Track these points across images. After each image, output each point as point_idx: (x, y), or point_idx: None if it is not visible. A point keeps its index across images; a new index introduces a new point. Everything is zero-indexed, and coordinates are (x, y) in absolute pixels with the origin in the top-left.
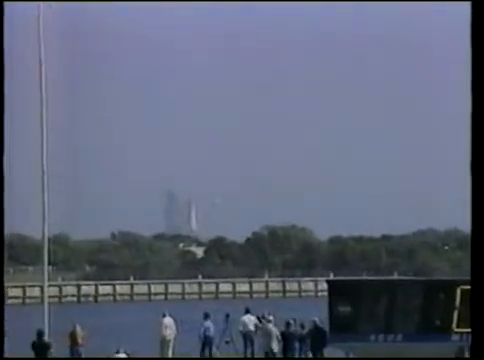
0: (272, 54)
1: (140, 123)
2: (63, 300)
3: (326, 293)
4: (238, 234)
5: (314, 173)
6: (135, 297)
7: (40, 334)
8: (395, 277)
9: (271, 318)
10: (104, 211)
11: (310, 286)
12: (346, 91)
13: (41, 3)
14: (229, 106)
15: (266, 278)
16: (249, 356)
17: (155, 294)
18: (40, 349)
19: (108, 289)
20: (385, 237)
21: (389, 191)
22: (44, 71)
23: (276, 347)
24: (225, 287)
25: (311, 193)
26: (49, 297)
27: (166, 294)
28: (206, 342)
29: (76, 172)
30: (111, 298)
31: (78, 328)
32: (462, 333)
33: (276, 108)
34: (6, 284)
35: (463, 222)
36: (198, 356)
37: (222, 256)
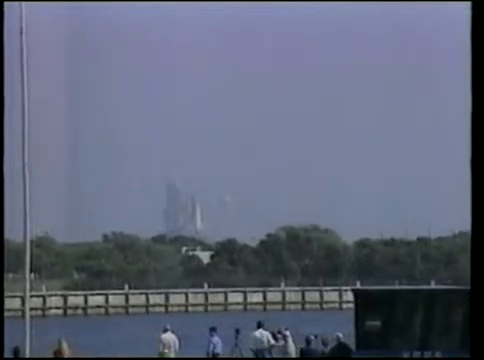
0: (274, 53)
1: (138, 114)
2: (47, 313)
3: (352, 304)
4: (250, 236)
5: (338, 168)
6: (131, 309)
7: (16, 352)
8: (432, 286)
9: (288, 333)
10: (95, 210)
11: (334, 296)
12: (367, 90)
13: (23, 3)
14: (239, 99)
15: (282, 287)
16: None
17: (154, 306)
18: None
19: (99, 300)
20: (420, 240)
21: (425, 189)
22: (25, 63)
23: None
24: (235, 297)
25: (335, 191)
26: (31, 309)
27: (167, 306)
28: None
29: (63, 167)
30: (103, 310)
31: (64, 345)
32: None
33: (290, 102)
34: None
35: None
36: None
37: (232, 262)
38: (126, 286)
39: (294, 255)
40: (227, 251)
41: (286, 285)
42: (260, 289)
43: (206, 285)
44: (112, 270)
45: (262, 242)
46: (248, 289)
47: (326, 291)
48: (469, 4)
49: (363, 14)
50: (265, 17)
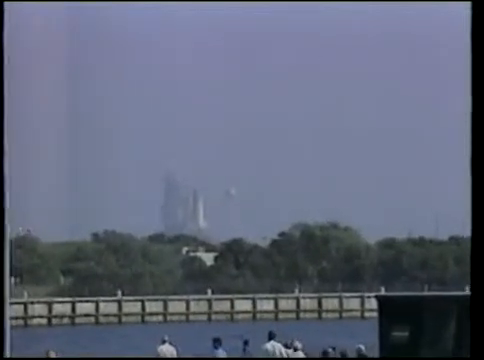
0: (275, 52)
1: (137, 111)
2: (30, 322)
3: (375, 313)
4: (260, 235)
5: (358, 160)
6: (124, 318)
7: None
8: (466, 292)
9: (299, 346)
10: (84, 205)
11: (354, 304)
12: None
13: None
14: (245, 92)
15: (296, 293)
16: None
17: (151, 314)
18: None
19: (89, 308)
20: (453, 240)
21: (458, 183)
22: (6, 58)
23: None
24: (243, 305)
25: (355, 184)
26: (11, 318)
27: (165, 314)
28: None
29: (47, 157)
30: (93, 319)
31: (52, 354)
32: None
33: (299, 96)
34: None
35: None
36: None
37: (239, 264)
38: (119, 292)
39: (310, 257)
40: (233, 252)
41: (300, 291)
42: (271, 295)
43: (209, 291)
44: (103, 274)
45: (273, 242)
46: (257, 295)
47: (346, 298)
48: (469, 4)
49: (363, 14)
50: (265, 17)
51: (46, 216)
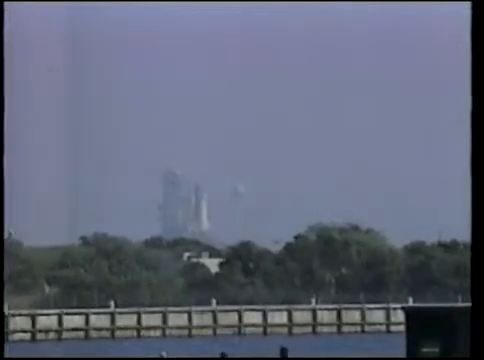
0: (275, 52)
1: (137, 110)
2: (11, 337)
3: (403, 327)
4: (272, 238)
5: (382, 155)
6: (118, 332)
7: None
8: None
9: None
10: (72, 205)
11: (379, 316)
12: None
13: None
14: (250, 89)
15: (313, 304)
16: None
17: (148, 328)
18: None
19: (78, 321)
20: None
21: None
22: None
23: None
24: (252, 317)
25: (379, 182)
26: None
27: (164, 328)
28: None
29: (33, 153)
30: (82, 334)
31: None
32: None
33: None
34: None
35: None
36: None
37: (248, 271)
38: (112, 303)
39: (327, 263)
40: (241, 258)
41: (317, 302)
42: (284, 307)
43: (214, 301)
44: (94, 282)
45: (286, 246)
46: (269, 307)
47: (369, 309)
48: (469, 4)
49: (363, 13)
50: (265, 16)
51: (30, 217)
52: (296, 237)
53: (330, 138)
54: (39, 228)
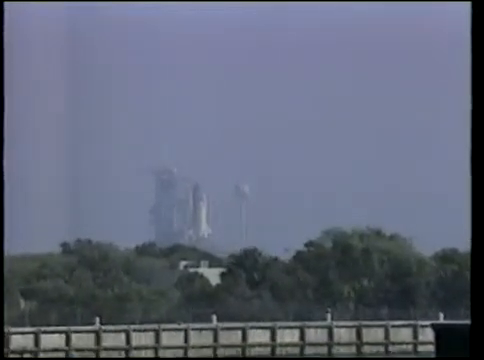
0: (277, 50)
1: (137, 110)
2: None
3: (432, 346)
4: (281, 245)
5: (406, 152)
6: (103, 353)
7: None
8: None
9: None
10: (51, 207)
11: (405, 335)
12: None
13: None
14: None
15: (329, 321)
16: None
17: (138, 348)
18: None
19: (57, 340)
20: None
21: None
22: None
23: None
24: (258, 336)
25: (404, 182)
26: None
27: (157, 348)
28: None
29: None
30: (62, 355)
31: None
32: None
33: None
34: None
35: None
36: None
37: (253, 283)
38: (97, 319)
39: (346, 274)
40: (246, 267)
41: (334, 318)
42: (295, 324)
43: (215, 318)
44: (76, 296)
45: (298, 254)
46: (278, 324)
47: (394, 327)
48: (469, 4)
49: (363, 12)
50: (265, 16)
51: (3, 221)
52: (309, 244)
53: (347, 133)
54: (13, 234)
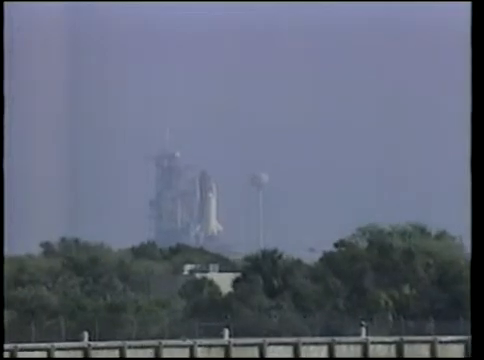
0: (277, 49)
1: (137, 110)
2: None
3: None
4: (306, 245)
5: (451, 136)
6: None
7: None
8: None
9: None
10: (31, 200)
11: (455, 351)
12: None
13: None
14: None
15: (363, 336)
16: None
17: None
18: None
19: (38, 357)
20: None
21: None
22: None
23: None
24: (279, 352)
25: (451, 170)
26: None
27: None
28: None
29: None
30: None
31: None
32: None
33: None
34: None
35: None
36: None
37: (273, 290)
38: (85, 334)
39: (384, 279)
40: (264, 272)
41: (369, 332)
42: (323, 339)
43: (227, 332)
44: (60, 306)
45: (326, 256)
46: (302, 339)
47: (442, 343)
48: (469, 4)
49: (364, 10)
50: (264, 16)
51: None
52: (339, 243)
53: (386, 114)
54: None
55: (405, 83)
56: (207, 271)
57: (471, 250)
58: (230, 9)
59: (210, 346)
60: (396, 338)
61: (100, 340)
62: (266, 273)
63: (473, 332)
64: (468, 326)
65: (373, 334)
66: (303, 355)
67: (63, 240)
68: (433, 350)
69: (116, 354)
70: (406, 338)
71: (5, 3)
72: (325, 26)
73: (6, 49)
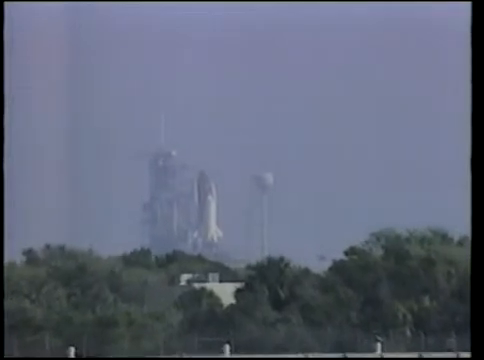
0: (278, 49)
1: (134, 105)
2: None
3: None
4: (315, 253)
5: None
6: None
7: None
8: None
9: None
10: (14, 203)
11: None
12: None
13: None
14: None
15: (379, 352)
16: None
17: None
18: None
19: None
20: None
21: None
22: None
23: None
24: None
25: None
26: None
27: None
28: None
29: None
30: None
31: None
32: None
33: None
34: None
35: None
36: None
37: (279, 302)
38: (72, 350)
39: (401, 290)
40: (269, 282)
41: (385, 348)
42: (335, 355)
43: (228, 348)
44: (45, 320)
45: (337, 265)
46: (311, 355)
47: None
48: (469, 4)
49: (364, 7)
50: (264, 16)
51: None
52: (351, 251)
53: (388, 114)
54: None
55: (405, 83)
56: (206, 281)
57: (471, 250)
58: (230, 9)
59: None
60: (414, 355)
61: (88, 357)
62: (271, 283)
63: (473, 332)
64: None
65: (389, 350)
66: None
67: (48, 247)
68: None
69: None
70: (425, 355)
71: (5, 3)
72: (325, 26)
73: (6, 49)
